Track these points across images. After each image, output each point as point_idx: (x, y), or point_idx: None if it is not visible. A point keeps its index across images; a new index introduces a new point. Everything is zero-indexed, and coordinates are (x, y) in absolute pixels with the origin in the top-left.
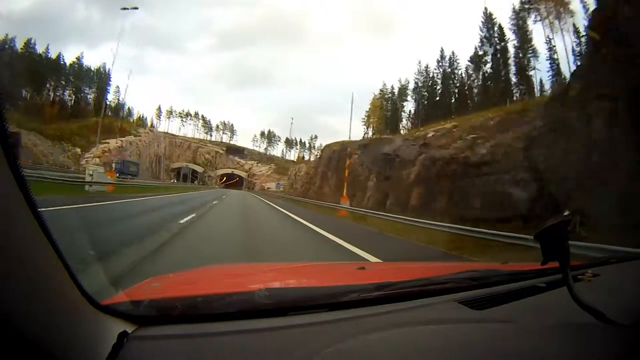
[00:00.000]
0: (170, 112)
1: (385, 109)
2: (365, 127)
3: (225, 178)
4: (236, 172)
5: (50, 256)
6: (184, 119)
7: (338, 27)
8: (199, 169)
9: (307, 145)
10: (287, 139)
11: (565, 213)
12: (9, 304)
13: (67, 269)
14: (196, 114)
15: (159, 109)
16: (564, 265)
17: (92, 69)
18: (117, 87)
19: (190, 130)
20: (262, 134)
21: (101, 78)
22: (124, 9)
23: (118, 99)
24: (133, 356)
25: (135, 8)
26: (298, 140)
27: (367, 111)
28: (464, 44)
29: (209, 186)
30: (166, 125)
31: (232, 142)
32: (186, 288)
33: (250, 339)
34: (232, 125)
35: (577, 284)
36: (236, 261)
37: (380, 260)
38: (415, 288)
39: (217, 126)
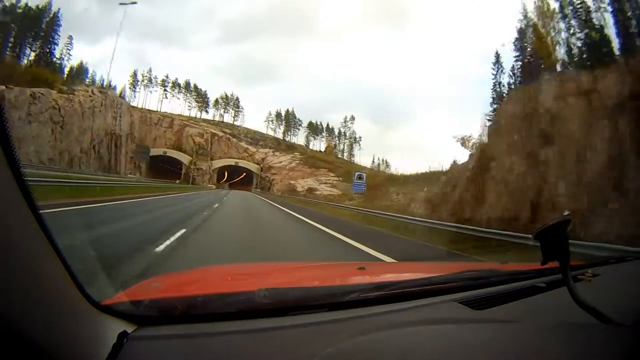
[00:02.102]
0: (149, 79)
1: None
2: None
3: (226, 174)
4: (242, 163)
5: (50, 256)
6: (166, 89)
7: (347, 22)
8: (185, 159)
9: (337, 132)
10: (310, 123)
11: (565, 213)
12: (8, 304)
13: (67, 269)
14: (187, 83)
15: (134, 75)
16: (564, 265)
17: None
18: (70, 37)
19: (179, 107)
20: (278, 115)
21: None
22: (122, 4)
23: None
24: (133, 356)
25: (134, 2)
26: (325, 125)
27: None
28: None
29: (199, 186)
30: (145, 99)
31: (237, 123)
32: (186, 288)
33: (250, 339)
34: (237, 98)
35: (577, 284)
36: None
37: None
38: (415, 288)
39: (217, 101)
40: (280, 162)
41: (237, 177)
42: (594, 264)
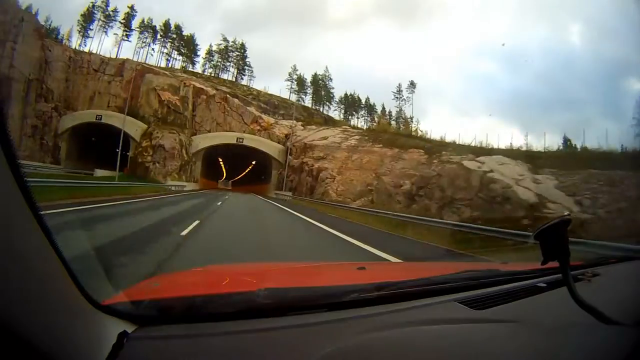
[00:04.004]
0: (105, 14)
1: None
2: None
3: (221, 163)
4: (250, 140)
5: (50, 256)
6: (131, 29)
7: (353, 13)
8: (137, 130)
9: (381, 109)
10: (345, 95)
11: (565, 213)
12: (8, 304)
13: (67, 269)
14: (166, 25)
15: (89, 10)
16: (564, 265)
17: None
18: None
19: (152, 60)
20: (301, 80)
21: None
22: None
23: None
24: (133, 356)
25: None
26: (364, 100)
27: None
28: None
29: (148, 185)
30: (100, 47)
31: (243, 83)
32: (186, 288)
33: (250, 339)
34: (242, 45)
35: (577, 284)
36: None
37: None
38: (415, 288)
39: (209, 53)
40: (326, 137)
41: (241, 171)
42: (594, 264)
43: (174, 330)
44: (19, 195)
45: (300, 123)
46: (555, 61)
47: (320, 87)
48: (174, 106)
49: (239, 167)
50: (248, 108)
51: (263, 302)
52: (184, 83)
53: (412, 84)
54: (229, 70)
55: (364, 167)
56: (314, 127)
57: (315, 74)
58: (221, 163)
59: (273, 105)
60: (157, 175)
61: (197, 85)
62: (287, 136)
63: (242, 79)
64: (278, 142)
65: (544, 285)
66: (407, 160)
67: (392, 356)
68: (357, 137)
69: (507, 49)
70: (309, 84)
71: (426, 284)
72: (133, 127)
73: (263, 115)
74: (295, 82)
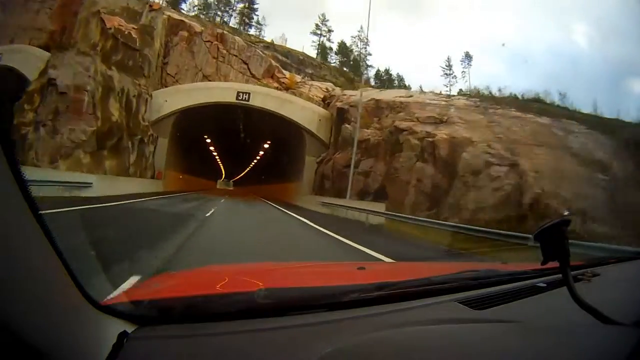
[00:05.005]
0: None
1: None
2: None
3: (212, 150)
4: (265, 98)
5: (50, 256)
6: None
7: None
8: (36, 68)
9: (419, 89)
10: (377, 72)
11: (565, 213)
12: (8, 304)
13: (67, 269)
14: None
15: None
16: (564, 265)
17: None
18: None
19: None
20: (323, 48)
21: None
22: None
23: None
24: (133, 356)
25: None
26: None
27: None
28: None
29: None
30: None
31: (257, 34)
32: (186, 288)
33: (250, 339)
34: None
35: (577, 284)
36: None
37: None
38: (415, 288)
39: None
40: (410, 95)
41: (247, 162)
42: (594, 264)
43: (174, 330)
44: (19, 195)
45: (339, 88)
46: (559, 60)
47: (349, 53)
48: (127, 38)
49: (243, 155)
50: (258, 51)
51: (263, 302)
52: (150, 6)
53: (468, 56)
54: (236, 15)
55: (542, 144)
56: (373, 90)
57: (342, 41)
58: (209, 146)
59: (297, 60)
60: (41, 155)
61: (175, 16)
62: (325, 100)
63: (248, 30)
64: (315, 103)
65: (544, 285)
66: (582, 134)
67: (392, 356)
68: (461, 98)
69: (508, 48)
70: (334, 52)
71: (426, 284)
72: (35, 64)
73: (285, 73)
74: (326, 37)
